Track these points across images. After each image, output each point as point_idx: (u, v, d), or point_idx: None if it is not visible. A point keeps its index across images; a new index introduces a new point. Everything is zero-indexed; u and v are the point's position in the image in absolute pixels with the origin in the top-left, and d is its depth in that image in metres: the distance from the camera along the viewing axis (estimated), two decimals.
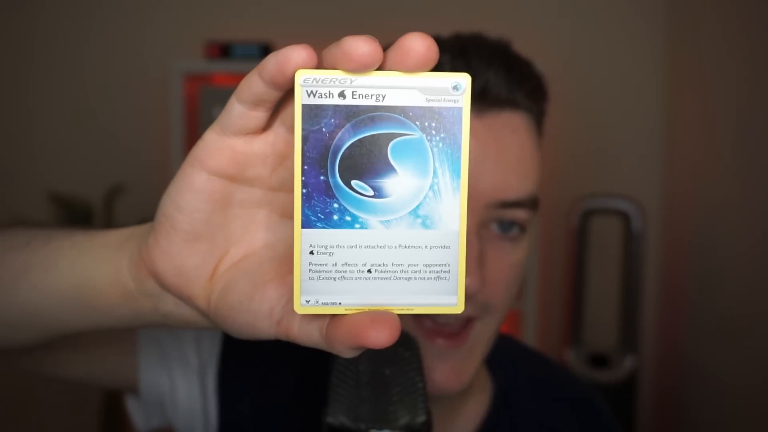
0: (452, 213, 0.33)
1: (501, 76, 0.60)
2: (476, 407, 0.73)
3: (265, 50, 2.07)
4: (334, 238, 0.33)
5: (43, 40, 2.21)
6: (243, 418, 0.74)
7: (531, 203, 0.62)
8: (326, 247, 0.33)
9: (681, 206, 2.07)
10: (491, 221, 0.61)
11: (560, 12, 2.22)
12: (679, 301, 2.03)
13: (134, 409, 0.76)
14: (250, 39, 2.14)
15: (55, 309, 0.44)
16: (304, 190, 0.32)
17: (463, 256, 0.34)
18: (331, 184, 0.32)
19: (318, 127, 0.32)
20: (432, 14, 2.12)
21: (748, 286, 1.61)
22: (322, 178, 0.32)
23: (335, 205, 0.32)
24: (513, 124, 0.61)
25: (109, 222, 2.13)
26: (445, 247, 0.33)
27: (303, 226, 0.32)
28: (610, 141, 2.25)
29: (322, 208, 0.32)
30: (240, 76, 2.03)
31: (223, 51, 2.06)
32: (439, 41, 0.64)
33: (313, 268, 0.33)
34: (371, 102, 0.32)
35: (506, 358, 0.76)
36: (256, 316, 0.36)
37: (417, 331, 0.61)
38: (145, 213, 2.21)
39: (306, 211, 0.32)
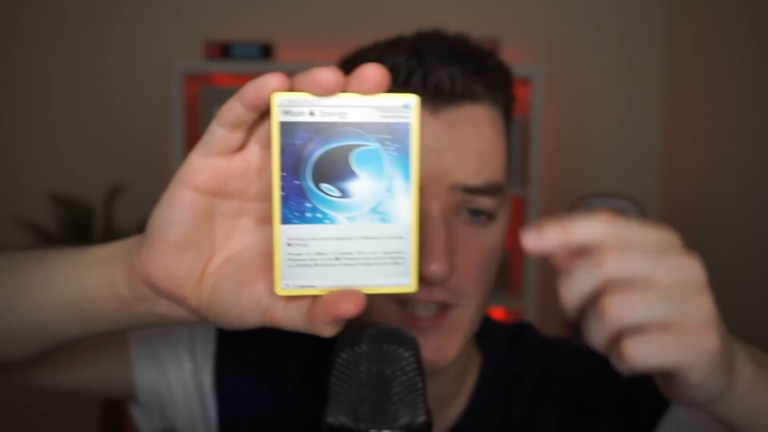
0: (405, 209, 0.39)
1: (456, 71, 0.61)
2: (467, 388, 0.74)
3: (265, 50, 2.07)
4: (308, 232, 0.39)
5: (42, 41, 2.21)
6: (242, 416, 0.74)
7: (492, 190, 0.62)
8: (301, 240, 0.39)
9: (680, 206, 2.07)
10: (461, 209, 0.62)
11: (560, 12, 2.22)
12: None
13: (139, 415, 0.78)
14: (250, 39, 2.14)
15: (55, 321, 0.49)
16: (283, 193, 0.38)
17: (415, 245, 0.40)
18: (304, 188, 0.38)
19: (292, 140, 0.38)
20: (427, 13, 2.12)
21: (747, 285, 1.61)
22: (296, 182, 0.38)
23: (308, 205, 0.39)
24: (473, 118, 0.62)
25: (109, 222, 2.13)
26: (399, 237, 0.40)
27: (282, 223, 0.39)
28: (609, 141, 2.25)
29: (297, 207, 0.39)
30: (240, 76, 2.04)
31: (223, 51, 2.05)
32: (397, 43, 0.64)
33: (291, 257, 0.39)
34: (336, 119, 0.38)
35: (494, 338, 0.77)
36: (244, 309, 0.42)
37: (401, 319, 0.62)
38: (145, 213, 2.20)
39: (284, 210, 0.38)
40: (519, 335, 0.78)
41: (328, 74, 0.37)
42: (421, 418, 0.44)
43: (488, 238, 0.64)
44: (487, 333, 0.74)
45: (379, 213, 0.39)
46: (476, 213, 0.62)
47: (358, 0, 2.21)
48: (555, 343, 0.78)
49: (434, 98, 0.60)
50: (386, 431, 0.43)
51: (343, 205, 0.39)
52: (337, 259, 0.39)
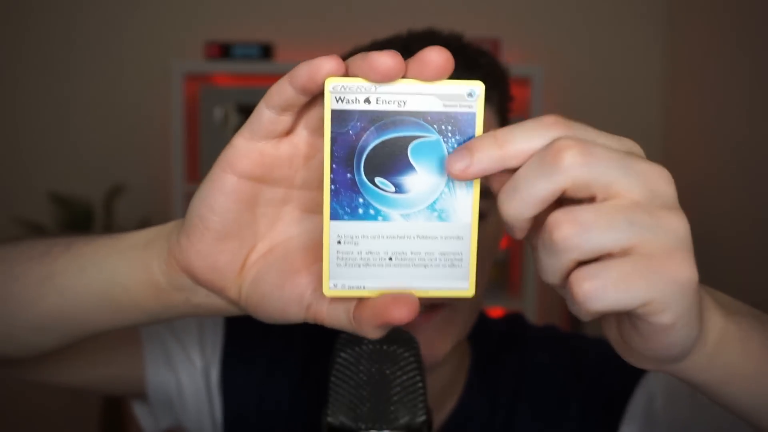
0: (465, 207, 0.36)
1: None
2: (458, 387, 0.74)
3: (265, 50, 2.07)
4: (359, 229, 0.36)
5: (43, 41, 2.21)
6: (246, 414, 0.75)
7: (481, 193, 0.62)
8: (352, 237, 0.36)
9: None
10: None
11: (559, 13, 2.22)
12: None
13: (142, 413, 0.77)
14: (250, 39, 2.14)
15: (84, 310, 0.46)
16: (333, 186, 0.35)
17: (474, 246, 0.36)
18: (357, 181, 0.35)
19: (345, 129, 0.35)
20: (427, 13, 2.12)
21: (747, 285, 1.61)
22: (348, 175, 0.35)
23: (360, 200, 0.35)
24: None
25: (109, 222, 2.13)
26: (458, 237, 0.36)
27: (331, 218, 0.36)
28: None
29: (348, 202, 0.36)
30: (240, 76, 2.03)
31: (223, 51, 2.05)
32: (391, 41, 0.63)
33: (340, 255, 0.36)
34: (394, 107, 0.34)
35: (485, 335, 0.77)
36: (287, 303, 0.39)
37: None
38: (145, 213, 2.21)
39: (334, 204, 0.35)
40: (509, 329, 0.78)
41: (387, 59, 0.33)
42: (421, 418, 0.44)
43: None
44: (478, 331, 0.75)
45: (437, 211, 0.36)
46: None
47: (358, 0, 2.21)
48: (538, 330, 0.79)
49: None
50: (386, 431, 0.43)
51: (398, 201, 0.35)
52: (390, 259, 0.36)
